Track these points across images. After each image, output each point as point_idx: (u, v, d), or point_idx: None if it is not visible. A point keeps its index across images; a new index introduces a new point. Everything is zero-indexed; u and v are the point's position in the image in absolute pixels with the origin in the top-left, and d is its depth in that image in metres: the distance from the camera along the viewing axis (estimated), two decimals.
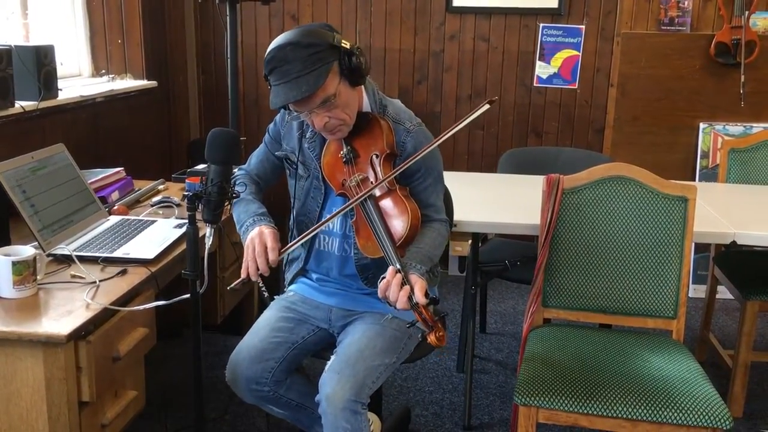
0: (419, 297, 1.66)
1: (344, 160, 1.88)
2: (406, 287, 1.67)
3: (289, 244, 1.86)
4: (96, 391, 1.68)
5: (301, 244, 2.05)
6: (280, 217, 2.09)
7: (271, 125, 2.08)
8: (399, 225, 1.79)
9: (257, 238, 1.83)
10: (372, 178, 1.85)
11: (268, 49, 1.75)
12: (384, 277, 1.69)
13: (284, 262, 2.15)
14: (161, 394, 2.72)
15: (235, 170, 2.12)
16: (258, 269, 1.81)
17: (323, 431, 1.79)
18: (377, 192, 1.83)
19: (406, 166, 1.80)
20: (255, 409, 2.56)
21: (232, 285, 1.81)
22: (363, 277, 1.98)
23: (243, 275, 1.82)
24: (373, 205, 1.81)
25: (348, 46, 1.78)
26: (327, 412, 1.76)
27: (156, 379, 2.79)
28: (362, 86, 1.90)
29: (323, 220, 1.91)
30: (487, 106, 1.74)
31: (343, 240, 2.00)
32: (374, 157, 1.85)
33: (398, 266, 1.70)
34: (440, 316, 1.67)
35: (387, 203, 1.82)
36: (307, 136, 1.97)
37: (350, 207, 1.84)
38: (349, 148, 1.89)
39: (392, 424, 2.49)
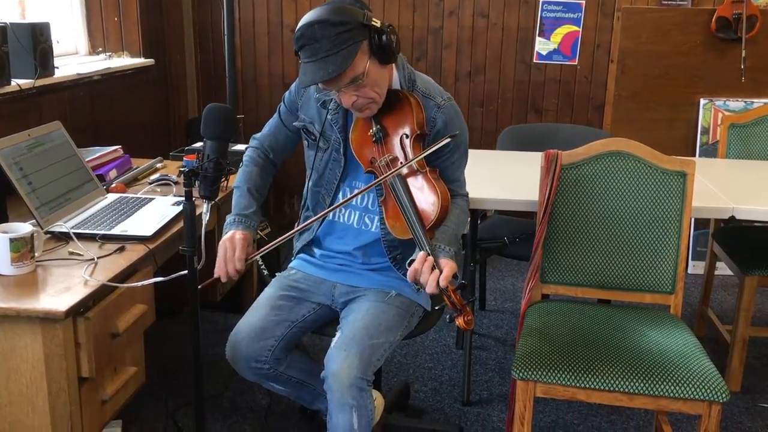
0: (449, 281, 1.68)
1: (374, 139, 1.87)
2: (436, 272, 1.69)
3: (255, 253, 1.86)
4: (95, 367, 1.69)
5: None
6: (288, 190, 2.06)
7: (286, 94, 2.05)
8: (429, 208, 1.79)
9: (228, 243, 1.85)
10: (402, 159, 1.84)
11: (298, 26, 1.73)
12: (413, 260, 1.72)
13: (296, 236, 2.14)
14: (161, 371, 2.74)
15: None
16: (228, 273, 1.84)
17: (329, 407, 1.79)
18: (406, 172, 1.83)
19: (433, 150, 1.80)
20: (255, 386, 2.58)
21: (203, 284, 1.80)
22: (391, 256, 1.99)
23: (215, 275, 1.84)
24: (403, 187, 1.81)
25: (378, 25, 1.75)
26: (333, 389, 1.76)
27: (156, 356, 2.80)
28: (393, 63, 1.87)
29: (338, 203, 1.92)
30: (448, 140, 1.80)
31: (364, 213, 2.00)
32: (404, 137, 1.85)
33: (428, 250, 1.72)
34: (469, 300, 1.69)
35: (417, 185, 1.82)
36: (330, 108, 1.95)
37: (376, 186, 1.84)
38: (378, 126, 1.87)
39: (392, 400, 2.51)
